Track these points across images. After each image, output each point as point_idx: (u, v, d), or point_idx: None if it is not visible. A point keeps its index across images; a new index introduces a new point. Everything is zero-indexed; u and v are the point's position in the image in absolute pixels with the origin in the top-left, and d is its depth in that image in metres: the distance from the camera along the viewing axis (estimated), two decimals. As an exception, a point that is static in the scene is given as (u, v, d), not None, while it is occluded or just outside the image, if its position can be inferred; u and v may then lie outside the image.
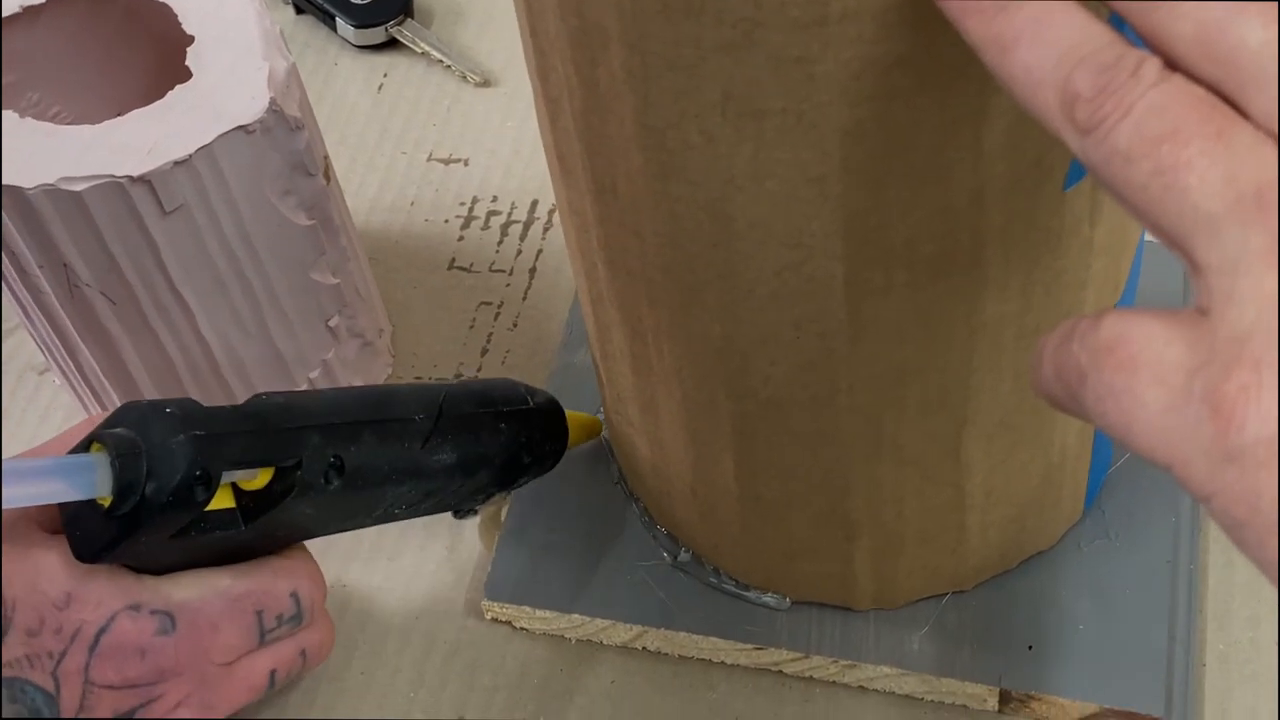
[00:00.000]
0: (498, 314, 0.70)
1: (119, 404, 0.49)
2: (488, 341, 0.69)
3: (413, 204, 0.74)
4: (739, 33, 0.36)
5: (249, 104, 0.54)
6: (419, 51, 0.80)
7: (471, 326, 0.69)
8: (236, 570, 0.49)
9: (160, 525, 0.44)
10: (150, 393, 0.60)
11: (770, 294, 0.43)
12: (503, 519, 0.61)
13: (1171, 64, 0.29)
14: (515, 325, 0.69)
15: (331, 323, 0.62)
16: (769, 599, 0.57)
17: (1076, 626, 0.55)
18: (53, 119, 0.62)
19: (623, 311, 0.48)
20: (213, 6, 0.57)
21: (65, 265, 0.54)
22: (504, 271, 0.71)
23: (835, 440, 0.48)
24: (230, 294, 0.57)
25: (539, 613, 0.58)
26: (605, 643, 0.58)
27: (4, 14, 0.58)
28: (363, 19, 0.80)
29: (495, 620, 0.59)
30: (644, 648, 0.58)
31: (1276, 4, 0.29)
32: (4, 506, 0.41)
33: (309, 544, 0.51)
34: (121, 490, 0.43)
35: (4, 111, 0.54)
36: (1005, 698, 0.54)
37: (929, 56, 0.36)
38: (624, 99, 0.39)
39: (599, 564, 0.59)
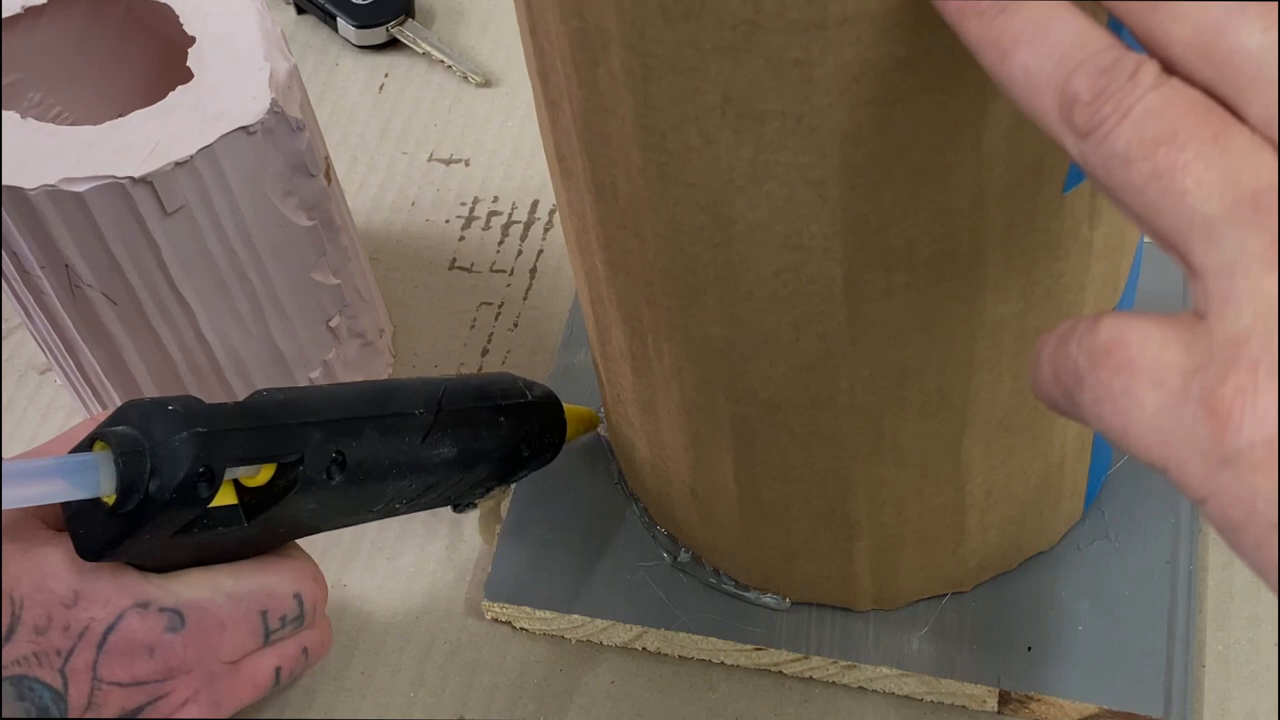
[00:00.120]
0: (498, 314, 0.70)
1: (120, 404, 0.49)
2: (488, 341, 0.69)
3: (413, 204, 0.74)
4: (739, 35, 0.36)
5: (250, 104, 0.54)
6: (420, 52, 0.80)
7: (472, 326, 0.70)
8: (241, 570, 0.49)
9: (163, 522, 0.44)
10: (151, 393, 0.60)
11: (770, 295, 0.43)
12: (502, 513, 0.61)
13: (1169, 67, 0.29)
14: (516, 325, 0.69)
15: (332, 323, 0.62)
16: (769, 599, 0.57)
17: (1076, 627, 0.55)
18: (54, 119, 0.62)
19: (623, 312, 0.48)
20: (214, 7, 0.57)
21: (67, 266, 0.54)
22: (504, 272, 0.71)
23: (835, 441, 0.48)
24: (231, 294, 0.57)
25: (539, 613, 0.58)
26: (605, 643, 0.58)
27: (5, 14, 0.58)
28: (364, 19, 0.80)
29: (495, 620, 0.59)
30: (644, 648, 0.58)
31: (1276, 6, 0.28)
32: (8, 507, 0.41)
33: (311, 542, 0.51)
34: (125, 488, 0.43)
35: (5, 112, 0.54)
36: (1004, 698, 0.54)
37: (928, 59, 0.36)
38: (624, 100, 0.39)
39: (599, 564, 0.59)
